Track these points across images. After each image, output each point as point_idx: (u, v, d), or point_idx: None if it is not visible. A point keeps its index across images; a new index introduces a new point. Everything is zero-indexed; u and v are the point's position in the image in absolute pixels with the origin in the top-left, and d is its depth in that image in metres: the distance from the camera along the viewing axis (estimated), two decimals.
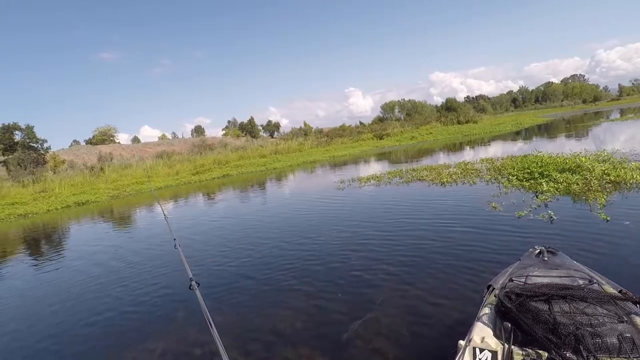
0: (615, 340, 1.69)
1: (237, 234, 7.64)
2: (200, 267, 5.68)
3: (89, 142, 48.24)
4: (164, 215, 4.05)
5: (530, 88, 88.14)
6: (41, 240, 10.43)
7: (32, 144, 33.34)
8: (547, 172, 8.37)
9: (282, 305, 4.01)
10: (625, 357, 1.64)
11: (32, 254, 8.88)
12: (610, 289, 2.11)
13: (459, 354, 1.88)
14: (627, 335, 1.70)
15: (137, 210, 14.01)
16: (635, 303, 1.89)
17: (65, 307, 4.95)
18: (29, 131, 33.73)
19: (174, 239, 2.91)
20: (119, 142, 48.88)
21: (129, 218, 12.59)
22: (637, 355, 1.62)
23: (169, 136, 61.35)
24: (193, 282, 1.95)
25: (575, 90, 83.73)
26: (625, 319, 1.80)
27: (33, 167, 27.47)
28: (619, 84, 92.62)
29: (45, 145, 34.16)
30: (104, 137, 48.84)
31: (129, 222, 11.71)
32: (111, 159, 31.87)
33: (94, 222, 12.60)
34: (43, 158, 31.27)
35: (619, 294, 1.96)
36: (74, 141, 52.06)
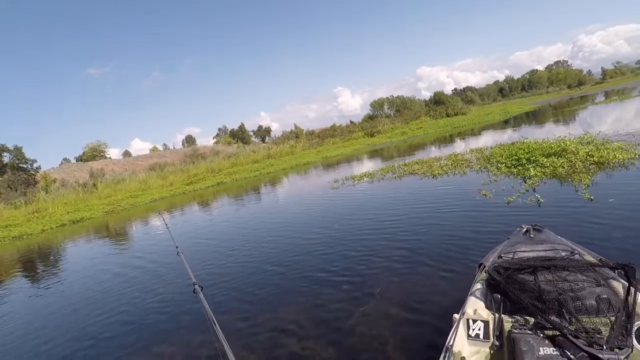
0: (593, 302, 1.84)
1: (235, 238, 7.72)
2: (202, 272, 5.76)
3: (80, 159, 47.87)
4: (165, 224, 4.10)
5: (516, 77, 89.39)
6: (39, 261, 10.40)
7: (22, 165, 32.98)
8: (534, 158, 8.59)
9: (285, 302, 4.12)
10: (603, 316, 1.79)
11: (32, 274, 8.86)
12: (590, 258, 2.26)
13: (454, 326, 2.01)
14: (604, 296, 1.85)
15: (134, 223, 13.99)
16: (612, 269, 2.02)
17: (71, 320, 5.03)
18: (17, 152, 33.38)
19: (177, 247, 2.94)
20: (110, 158, 48.54)
21: (126, 231, 12.59)
22: (613, 314, 1.77)
23: (160, 148, 61.04)
24: (196, 286, 2.02)
25: (560, 76, 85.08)
26: (603, 283, 1.95)
27: (24, 188, 27.21)
28: (601, 68, 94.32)
29: (35, 165, 33.86)
30: (94, 153, 48.48)
31: (127, 236, 11.72)
32: (103, 174, 31.68)
33: (90, 238, 12.57)
34: (34, 178, 30.97)
35: (598, 262, 2.10)
36: (64, 159, 51.59)
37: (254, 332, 3.61)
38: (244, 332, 3.64)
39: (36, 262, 10.28)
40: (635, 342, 1.64)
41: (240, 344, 3.39)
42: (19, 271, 9.31)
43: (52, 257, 10.53)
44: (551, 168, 7.54)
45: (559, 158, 8.03)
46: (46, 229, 16.70)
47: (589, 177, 6.40)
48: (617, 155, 7.27)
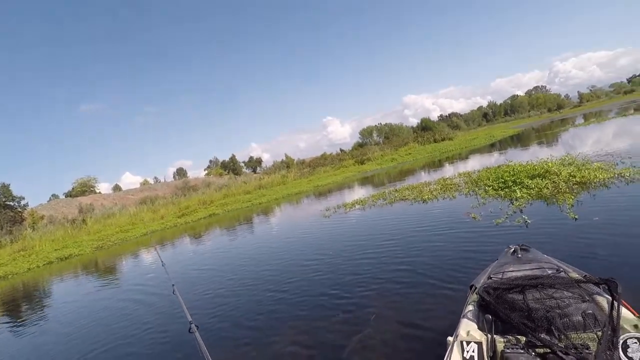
0: (580, 318, 1.93)
1: (230, 272, 7.64)
2: (197, 306, 5.67)
3: (69, 194, 47.16)
4: (161, 260, 3.88)
5: (499, 102, 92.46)
6: (23, 302, 10.05)
7: (9, 203, 32.38)
8: (519, 180, 8.85)
9: (282, 333, 4.09)
10: (590, 331, 1.87)
11: (15, 317, 8.55)
12: (575, 275, 2.36)
13: (449, 349, 2.06)
14: (590, 312, 1.95)
15: (124, 259, 13.70)
16: (596, 284, 2.12)
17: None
18: (4, 190, 32.86)
19: (173, 285, 2.80)
20: (99, 192, 48.00)
21: (115, 268, 12.31)
22: (599, 328, 1.85)
23: (151, 181, 60.67)
24: (192, 325, 1.95)
25: (540, 100, 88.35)
26: (588, 299, 2.05)
27: (10, 226, 26.60)
28: (578, 92, 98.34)
29: (23, 202, 33.32)
30: (84, 189, 47.89)
31: (116, 272, 11.45)
32: (92, 209, 31.22)
33: (77, 276, 12.24)
34: (20, 216, 30.38)
35: (582, 278, 2.19)
36: (52, 195, 50.74)
37: None
38: None
39: (20, 302, 9.92)
40: (622, 355, 1.70)
41: None
42: (1, 312, 8.98)
43: (35, 298, 10.20)
44: (536, 189, 7.77)
45: (543, 179, 8.30)
46: (32, 267, 16.23)
47: (573, 197, 6.62)
48: (597, 175, 7.56)
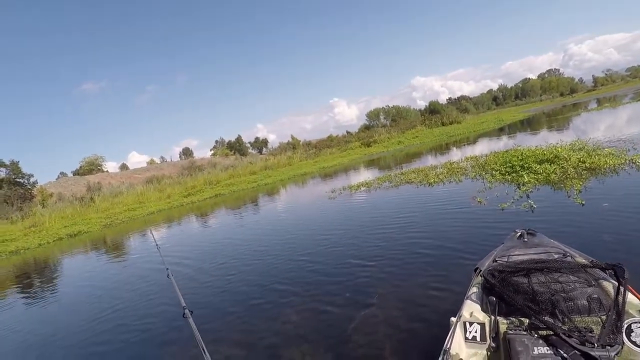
0: (585, 302, 1.91)
1: (232, 251, 7.73)
2: (197, 286, 5.77)
3: (77, 172, 47.74)
4: (156, 245, 3.86)
5: (509, 85, 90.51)
6: (33, 277, 10.32)
7: (18, 180, 32.89)
8: (527, 165, 8.72)
9: (284, 313, 4.14)
10: (594, 315, 1.85)
11: (25, 290, 8.81)
12: (581, 260, 2.33)
13: (452, 329, 2.07)
14: (595, 296, 1.92)
15: (131, 238, 13.95)
16: (602, 269, 2.09)
17: (56, 341, 4.89)
18: (14, 167, 33.31)
19: (167, 269, 2.79)
20: (107, 171, 48.48)
21: (122, 247, 12.55)
22: (604, 313, 1.84)
23: (158, 160, 61.07)
24: (186, 311, 1.95)
25: (552, 84, 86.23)
26: (594, 283, 2.02)
27: (20, 203, 27.09)
28: (592, 75, 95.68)
29: (32, 179, 33.79)
30: (91, 167, 48.43)
31: (122, 252, 11.68)
32: (100, 188, 31.57)
33: (86, 253, 12.52)
34: (30, 193, 30.86)
35: (589, 263, 2.17)
36: (60, 173, 51.46)
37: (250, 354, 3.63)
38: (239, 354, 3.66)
39: (32, 276, 10.22)
40: (625, 338, 1.69)
41: None
42: (14, 285, 9.27)
43: (44, 273, 10.48)
44: (544, 174, 7.67)
45: (552, 165, 8.17)
46: (43, 243, 16.61)
47: (581, 183, 6.53)
48: (608, 161, 7.41)
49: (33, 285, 9.11)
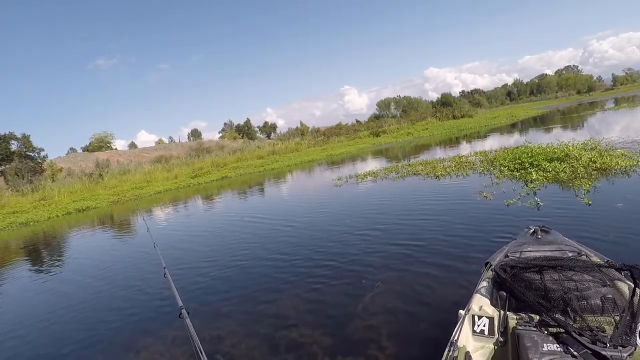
0: (598, 302, 1.88)
1: (237, 236, 7.77)
2: (197, 268, 5.85)
3: (86, 149, 48.33)
4: (153, 242, 3.56)
5: (525, 81, 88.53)
6: (39, 250, 10.52)
7: (29, 153, 33.42)
8: (537, 162, 8.59)
9: (286, 299, 4.17)
10: (607, 315, 1.83)
11: (30, 263, 9.03)
12: (596, 260, 2.29)
13: (459, 322, 2.07)
14: (609, 296, 1.89)
15: (137, 216, 14.14)
16: (618, 270, 2.05)
17: (50, 325, 4.68)
18: (25, 140, 33.83)
19: (164, 267, 2.63)
20: (115, 149, 48.99)
21: (127, 225, 12.76)
22: (618, 313, 1.81)
23: (166, 141, 61.51)
24: (183, 311, 1.85)
25: (570, 81, 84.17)
26: (609, 284, 1.99)
27: (31, 176, 27.57)
28: (612, 74, 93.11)
29: (42, 154, 34.35)
30: (100, 144, 48.96)
31: (128, 230, 11.88)
32: (108, 165, 31.94)
33: (93, 229, 12.74)
34: (40, 167, 31.36)
35: (604, 263, 2.13)
36: (70, 149, 52.18)
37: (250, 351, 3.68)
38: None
39: (40, 248, 10.47)
40: (638, 340, 1.66)
41: None
42: (22, 256, 9.52)
43: (52, 247, 10.72)
44: (553, 173, 7.55)
45: (562, 163, 8.03)
46: (52, 216, 16.96)
47: (590, 183, 6.41)
48: (619, 162, 7.27)
49: (36, 262, 9.32)
